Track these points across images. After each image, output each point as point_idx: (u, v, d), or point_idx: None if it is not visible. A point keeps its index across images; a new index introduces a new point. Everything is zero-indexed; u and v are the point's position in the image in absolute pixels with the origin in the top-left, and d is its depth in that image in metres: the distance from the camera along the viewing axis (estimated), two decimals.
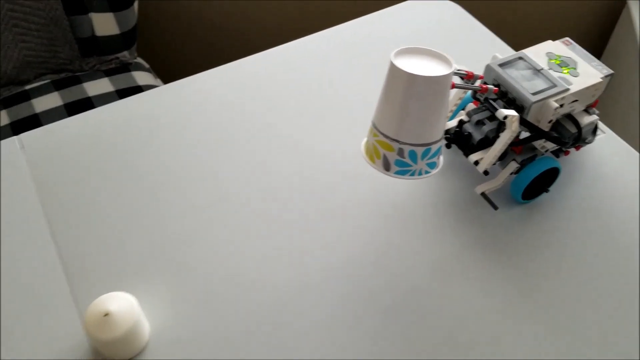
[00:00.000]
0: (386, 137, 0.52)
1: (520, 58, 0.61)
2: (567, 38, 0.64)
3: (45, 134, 0.71)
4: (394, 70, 0.50)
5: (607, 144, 0.69)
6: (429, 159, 0.53)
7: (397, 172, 0.53)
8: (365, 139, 0.56)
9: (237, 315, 0.55)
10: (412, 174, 0.53)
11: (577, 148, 0.66)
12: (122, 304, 0.52)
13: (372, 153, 0.54)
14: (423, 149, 0.52)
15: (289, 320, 0.55)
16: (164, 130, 0.71)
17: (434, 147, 0.53)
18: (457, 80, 0.58)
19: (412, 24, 0.85)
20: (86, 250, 0.60)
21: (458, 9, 0.87)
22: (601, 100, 1.66)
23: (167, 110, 0.73)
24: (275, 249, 0.60)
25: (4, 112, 1.16)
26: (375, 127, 0.53)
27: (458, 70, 0.56)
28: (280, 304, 0.56)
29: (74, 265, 0.59)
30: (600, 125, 0.69)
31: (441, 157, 0.55)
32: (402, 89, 0.49)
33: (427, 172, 0.54)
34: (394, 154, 0.52)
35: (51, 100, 1.18)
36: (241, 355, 0.53)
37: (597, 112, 0.63)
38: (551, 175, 0.63)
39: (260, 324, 0.55)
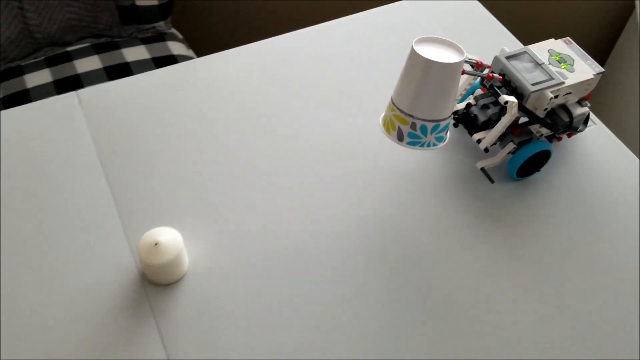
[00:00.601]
0: (402, 112, 0.61)
1: (525, 52, 0.69)
2: (568, 38, 0.72)
3: (99, 92, 0.80)
4: (413, 55, 0.59)
5: (597, 135, 0.78)
6: (437, 133, 0.62)
7: (409, 143, 0.62)
8: (383, 114, 0.65)
9: (263, 256, 0.65)
10: (422, 145, 0.62)
11: (569, 135, 0.75)
12: (168, 237, 0.61)
13: (388, 125, 0.63)
14: (433, 124, 0.61)
15: (305, 264, 0.64)
16: (203, 97, 0.80)
17: (443, 124, 0.61)
18: (467, 67, 0.67)
19: (434, 17, 0.93)
20: (137, 192, 0.70)
21: (477, 5, 0.95)
22: (606, 99, 1.74)
23: (205, 81, 0.82)
24: (299, 204, 0.69)
25: (48, 70, 1.25)
26: (393, 103, 0.62)
27: (469, 59, 0.65)
28: (300, 250, 0.65)
29: (125, 204, 0.69)
30: (592, 117, 0.78)
31: (448, 133, 0.64)
32: (420, 72, 0.58)
33: (434, 145, 0.63)
34: (407, 127, 0.61)
35: (92, 63, 1.27)
36: (262, 289, 0.62)
37: (588, 104, 0.71)
38: (543, 157, 0.71)
39: (281, 264, 0.64)
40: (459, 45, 0.60)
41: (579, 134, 0.77)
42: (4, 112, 0.77)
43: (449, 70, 0.58)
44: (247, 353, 0.58)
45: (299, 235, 0.67)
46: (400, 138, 0.62)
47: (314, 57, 0.86)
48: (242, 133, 0.76)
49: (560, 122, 0.69)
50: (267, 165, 0.73)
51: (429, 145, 0.63)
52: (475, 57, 0.66)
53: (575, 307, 0.62)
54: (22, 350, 0.58)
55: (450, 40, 0.60)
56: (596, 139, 0.78)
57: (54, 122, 0.76)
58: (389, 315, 0.61)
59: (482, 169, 0.71)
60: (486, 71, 0.67)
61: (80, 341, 0.58)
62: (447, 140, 0.64)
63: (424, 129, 0.61)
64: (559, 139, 0.74)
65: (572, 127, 0.71)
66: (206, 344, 0.59)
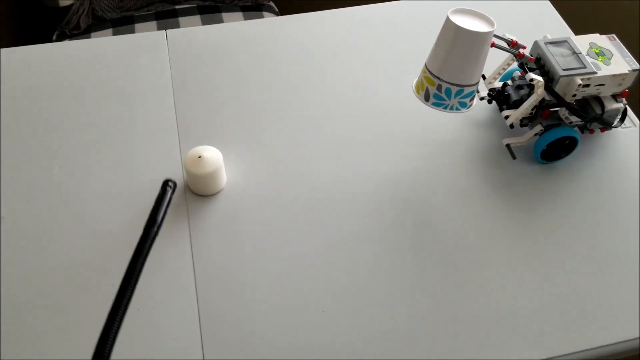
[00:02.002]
0: (431, 73, 0.67)
1: (566, 41, 0.73)
2: (613, 35, 0.75)
3: (186, 33, 0.92)
4: (447, 23, 0.65)
5: (634, 135, 0.80)
6: (461, 98, 0.67)
7: (434, 104, 0.68)
8: (416, 78, 0.71)
9: (292, 190, 0.73)
10: (445, 107, 0.68)
11: (602, 130, 0.77)
12: (211, 153, 0.71)
13: (418, 86, 0.70)
14: (457, 88, 0.67)
15: (329, 206, 0.72)
16: (276, 51, 0.90)
17: (467, 90, 0.67)
18: (499, 43, 0.71)
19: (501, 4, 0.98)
20: (196, 116, 0.80)
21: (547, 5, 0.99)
22: None
23: (283, 38, 0.92)
24: (334, 153, 0.77)
25: (155, 23, 1.40)
26: (425, 66, 0.68)
27: (504, 36, 0.70)
28: (328, 191, 0.73)
29: (185, 125, 0.79)
30: (632, 116, 0.80)
31: (473, 101, 0.69)
32: (449, 38, 0.64)
33: (457, 109, 0.68)
34: (434, 89, 0.67)
35: (193, 21, 1.41)
36: (285, 218, 0.71)
37: (624, 101, 0.74)
38: (570, 145, 0.75)
39: (306, 203, 0.72)
40: (492, 19, 0.65)
41: (614, 130, 0.80)
42: (105, 38, 0.90)
43: (476, 39, 0.63)
44: (262, 268, 0.67)
45: (328, 179, 0.74)
46: (426, 98, 0.69)
47: (378, 29, 0.93)
48: (297, 86, 0.85)
49: (592, 112, 0.73)
50: (313, 116, 0.81)
51: (452, 109, 0.68)
52: (514, 37, 0.71)
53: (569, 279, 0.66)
54: (79, 225, 0.69)
55: (484, 13, 0.66)
56: (632, 138, 0.80)
57: (142, 52, 0.88)
58: (399, 266, 0.68)
59: (507, 145, 0.76)
60: (521, 51, 0.71)
61: (121, 224, 0.69)
62: (470, 107, 0.69)
63: (448, 92, 0.67)
64: (591, 131, 0.77)
65: (603, 120, 0.74)
66: (228, 252, 0.68)
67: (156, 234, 0.40)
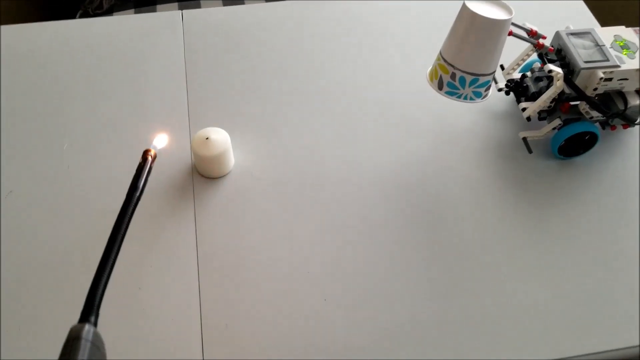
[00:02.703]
0: (445, 61, 0.65)
1: (589, 33, 0.70)
2: (638, 28, 0.72)
3: (202, 14, 0.91)
4: (463, 9, 0.62)
5: None
6: (475, 87, 0.65)
7: (447, 92, 0.66)
8: (430, 66, 0.69)
9: (299, 175, 0.72)
10: (459, 97, 0.66)
11: (625, 126, 0.74)
12: (219, 135, 0.70)
13: (432, 74, 0.68)
14: (472, 77, 0.64)
15: (337, 192, 0.71)
16: (291, 34, 0.88)
17: (482, 79, 0.65)
18: (518, 32, 0.68)
19: None
20: (208, 98, 0.80)
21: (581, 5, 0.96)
22: None
23: (301, 21, 0.91)
24: (343, 140, 0.76)
25: (177, 4, 1.40)
26: (440, 53, 0.66)
27: (523, 26, 0.67)
28: (336, 178, 0.72)
29: (195, 105, 0.79)
30: None
31: (489, 92, 0.67)
32: (465, 24, 0.62)
33: (471, 99, 0.66)
34: (448, 77, 0.65)
35: (215, 4, 1.40)
36: (292, 203, 0.70)
37: None
38: (590, 141, 0.72)
39: (314, 187, 0.71)
40: (510, 7, 0.63)
41: (637, 128, 0.77)
42: (119, 17, 0.90)
43: (493, 26, 0.61)
44: (267, 253, 0.66)
45: (337, 167, 0.73)
46: (440, 87, 0.67)
47: (394, 15, 0.91)
48: (310, 71, 0.83)
49: (614, 107, 0.70)
50: (324, 103, 0.80)
51: (465, 98, 0.66)
52: (535, 27, 0.68)
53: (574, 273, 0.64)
54: (85, 203, 0.69)
55: (503, 1, 0.63)
56: None
57: (157, 31, 0.88)
58: (405, 259, 0.66)
59: (524, 139, 0.73)
60: (541, 41, 0.69)
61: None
62: (486, 98, 0.67)
63: (462, 81, 0.65)
64: (612, 127, 0.74)
65: (625, 116, 0.71)
66: (233, 236, 0.67)
67: (139, 198, 0.43)
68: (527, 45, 0.72)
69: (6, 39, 0.87)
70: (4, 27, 0.88)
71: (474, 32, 0.62)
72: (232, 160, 0.73)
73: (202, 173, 0.72)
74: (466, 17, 0.62)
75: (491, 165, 0.73)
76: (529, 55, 0.74)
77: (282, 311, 0.61)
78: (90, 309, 0.36)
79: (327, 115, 0.78)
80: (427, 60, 0.71)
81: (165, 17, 0.90)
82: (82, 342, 0.34)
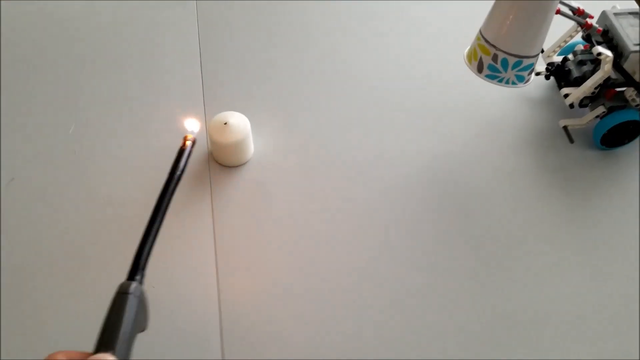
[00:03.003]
0: (486, 41, 0.60)
1: (638, 13, 0.65)
2: None
3: (217, 3, 0.86)
4: None
5: None
6: (518, 71, 0.60)
7: (487, 76, 0.61)
8: (469, 47, 0.64)
9: (323, 163, 0.67)
10: (500, 81, 0.61)
11: None
12: (238, 120, 0.65)
13: (471, 55, 0.62)
14: (515, 59, 0.59)
15: (365, 181, 0.66)
16: (313, 13, 0.83)
17: (526, 62, 0.60)
18: (564, 11, 0.63)
19: None
20: (224, 80, 0.74)
21: None
22: None
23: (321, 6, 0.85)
24: (372, 127, 0.71)
25: None
26: (480, 33, 0.61)
27: (569, 3, 0.62)
28: (360, 170, 0.67)
29: (211, 89, 0.73)
30: None
31: (532, 76, 0.62)
32: (510, 2, 0.57)
33: (514, 83, 0.61)
34: (489, 58, 0.60)
35: None
36: (315, 192, 0.65)
37: None
38: (635, 130, 0.67)
39: (341, 176, 0.66)
40: None
41: None
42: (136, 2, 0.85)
43: (540, 4, 0.56)
44: (288, 247, 0.61)
45: (362, 156, 0.68)
46: (479, 69, 0.62)
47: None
48: (332, 53, 0.78)
49: None
50: (348, 86, 0.74)
51: (507, 82, 0.61)
52: (581, 5, 0.63)
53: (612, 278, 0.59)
54: (93, 190, 0.64)
55: None
56: None
57: (169, 7, 0.82)
58: (436, 254, 0.61)
59: (565, 128, 0.68)
60: (589, 21, 0.64)
61: (138, 191, 0.64)
62: (528, 82, 0.62)
63: (504, 63, 0.60)
64: None
65: None
66: (253, 228, 0.62)
67: (179, 178, 0.47)
68: (568, 26, 0.67)
69: (13, 14, 0.81)
70: (9, 2, 0.83)
71: (520, 10, 0.57)
72: (252, 147, 0.68)
73: (220, 161, 0.67)
74: None
75: (529, 156, 0.68)
76: (571, 37, 0.69)
77: (303, 306, 0.56)
78: (137, 268, 0.41)
79: (353, 99, 0.73)
80: (459, 42, 0.66)
81: (180, 5, 0.85)
82: (130, 296, 0.39)
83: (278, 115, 0.71)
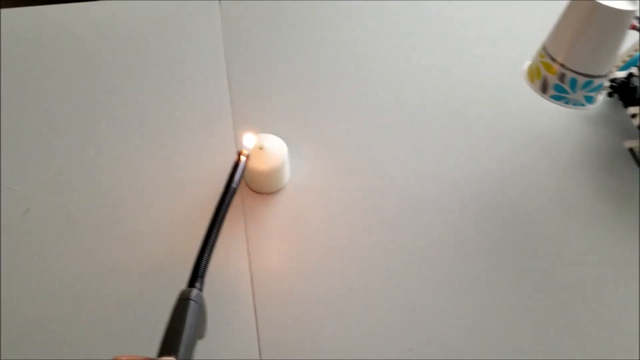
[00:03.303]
0: (553, 59, 0.54)
1: None
2: None
3: (240, 4, 0.80)
4: None
5: None
6: (588, 91, 0.54)
7: (553, 97, 0.55)
8: (528, 62, 0.58)
9: (364, 190, 0.61)
10: (567, 102, 0.55)
11: None
12: (274, 144, 0.59)
13: (533, 74, 0.57)
14: (585, 79, 0.53)
15: (407, 207, 0.60)
16: (354, 21, 0.77)
17: (597, 82, 0.54)
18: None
19: None
20: (253, 97, 0.68)
21: None
22: None
23: (365, 5, 0.79)
24: (413, 146, 0.65)
25: None
26: (544, 49, 0.55)
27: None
28: (402, 193, 0.61)
29: (240, 106, 0.68)
30: None
31: (600, 96, 0.56)
32: (581, 16, 0.51)
33: (582, 105, 0.55)
34: (555, 78, 0.54)
35: None
36: (357, 224, 0.59)
37: None
38: None
39: (381, 202, 0.60)
40: None
41: None
42: (152, 2, 0.78)
43: (616, 18, 0.50)
44: (327, 280, 0.55)
45: (404, 177, 0.62)
46: (543, 89, 0.56)
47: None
48: (372, 66, 0.72)
49: None
50: (389, 103, 0.69)
51: (575, 104, 0.55)
52: None
53: None
54: (115, 222, 0.59)
55: None
56: None
57: (192, 17, 0.76)
58: (481, 283, 0.56)
59: (630, 150, 0.63)
60: None
61: (166, 224, 0.58)
62: (597, 103, 0.56)
63: (573, 83, 0.54)
64: None
65: None
66: (290, 259, 0.56)
67: (234, 191, 0.49)
68: (635, 38, 0.61)
69: (30, 21, 0.76)
70: (23, 8, 0.77)
71: (593, 26, 0.51)
72: (287, 173, 0.62)
73: (254, 188, 0.61)
74: (583, 7, 0.51)
75: (588, 179, 0.62)
76: (636, 50, 0.63)
77: (340, 335, 0.51)
78: (196, 276, 0.43)
79: (394, 118, 0.67)
80: (508, 55, 0.60)
81: (202, 6, 0.79)
82: (191, 302, 0.40)
83: (312, 135, 0.66)
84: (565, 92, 0.54)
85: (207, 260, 0.44)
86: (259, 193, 0.61)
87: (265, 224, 0.59)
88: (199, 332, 0.41)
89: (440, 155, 0.64)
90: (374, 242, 0.57)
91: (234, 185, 0.50)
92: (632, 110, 0.60)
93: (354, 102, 0.69)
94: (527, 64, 0.58)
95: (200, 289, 0.42)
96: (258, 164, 0.58)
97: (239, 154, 0.53)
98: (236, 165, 0.52)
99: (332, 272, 0.55)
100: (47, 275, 0.54)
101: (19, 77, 0.70)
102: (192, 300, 0.40)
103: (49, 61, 0.72)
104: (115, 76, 0.70)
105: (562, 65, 0.53)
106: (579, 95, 0.54)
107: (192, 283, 0.42)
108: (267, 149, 0.58)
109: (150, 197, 0.60)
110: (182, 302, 0.40)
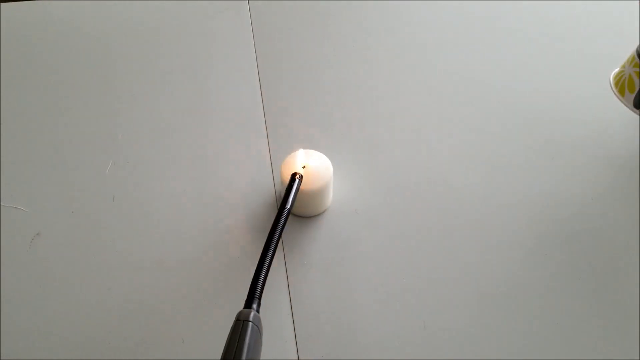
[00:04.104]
0: None
1: None
2: None
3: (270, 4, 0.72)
4: None
5: None
6: None
7: None
8: (616, 70, 0.50)
9: (417, 211, 0.54)
10: None
11: None
12: (318, 162, 0.52)
13: (624, 84, 0.49)
14: None
15: (463, 235, 0.52)
16: (401, 21, 0.69)
17: None
18: None
19: None
20: (288, 108, 0.61)
21: None
22: None
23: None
24: (471, 163, 0.57)
25: None
26: (638, 54, 0.47)
27: None
28: (463, 218, 0.53)
29: (274, 118, 0.60)
30: None
31: None
32: None
33: None
34: None
35: None
36: (411, 245, 0.51)
37: None
38: None
39: (439, 226, 0.53)
40: None
41: None
42: (174, 1, 0.71)
43: None
44: (378, 314, 0.47)
45: (466, 200, 0.55)
46: (637, 104, 0.48)
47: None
48: (427, 69, 0.65)
49: None
50: (447, 112, 0.61)
51: None
52: None
53: None
54: (138, 248, 0.51)
55: None
56: None
57: (221, 19, 0.69)
58: (553, 325, 0.48)
59: None
60: None
61: (193, 249, 0.51)
62: None
63: None
64: None
65: None
66: (335, 291, 0.49)
67: (289, 211, 0.47)
68: None
69: (43, 15, 0.69)
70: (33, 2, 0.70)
71: None
72: (331, 194, 0.54)
73: (293, 211, 0.54)
74: None
75: None
76: None
77: None
78: (253, 297, 0.41)
79: (452, 128, 0.60)
80: (590, 59, 0.52)
81: (230, 4, 0.71)
82: (250, 324, 0.39)
83: (358, 151, 0.58)
84: None
85: (264, 280, 0.43)
86: (298, 216, 0.54)
87: (307, 252, 0.51)
88: (256, 355, 0.39)
89: (512, 175, 0.56)
90: (429, 271, 0.50)
91: (288, 206, 0.48)
92: None
93: (405, 113, 0.61)
94: (615, 71, 0.50)
95: (257, 310, 0.41)
96: (304, 185, 0.51)
97: (294, 175, 0.50)
98: (290, 185, 0.49)
99: (382, 306, 0.47)
100: (59, 307, 0.47)
101: (30, 83, 0.63)
102: (251, 322, 0.39)
103: (64, 66, 0.65)
104: (137, 82, 0.63)
105: None
106: None
107: (249, 304, 0.41)
108: (311, 167, 0.51)
109: (177, 217, 0.53)
110: (241, 324, 0.40)
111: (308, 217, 0.54)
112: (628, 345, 0.46)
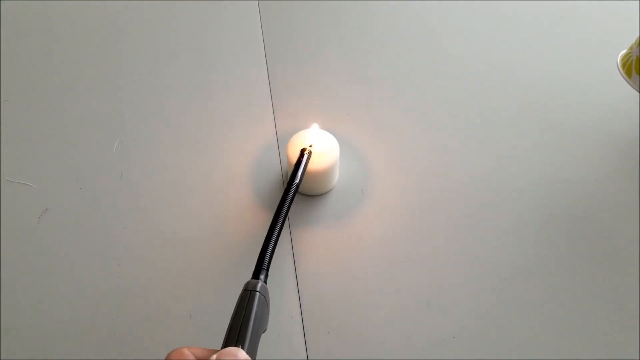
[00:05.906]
0: None
1: None
2: None
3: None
4: None
5: None
6: None
7: None
8: (624, 51, 0.50)
9: (426, 194, 0.54)
10: None
11: None
12: (325, 142, 0.52)
13: (631, 66, 0.49)
14: None
15: (474, 219, 0.53)
16: (389, 14, 0.69)
17: None
18: None
19: None
20: (294, 89, 0.61)
21: None
22: None
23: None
24: (483, 149, 0.57)
25: None
26: None
27: None
28: (473, 201, 0.54)
29: (281, 98, 0.60)
30: None
31: None
32: None
33: None
34: None
35: None
36: (418, 226, 0.52)
37: None
38: None
39: (448, 209, 0.53)
40: None
41: None
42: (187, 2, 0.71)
43: None
44: (383, 296, 0.48)
45: (477, 183, 0.55)
46: None
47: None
48: (435, 51, 0.65)
49: None
50: (457, 93, 0.61)
51: None
52: None
53: None
54: (144, 223, 0.52)
55: None
56: None
57: (232, 15, 0.69)
58: (567, 316, 0.48)
59: None
60: None
61: (200, 226, 0.51)
62: None
63: None
64: None
65: None
66: (341, 271, 0.49)
67: (297, 188, 0.48)
68: None
69: (51, 14, 0.69)
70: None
71: None
72: (337, 173, 0.55)
73: (299, 189, 0.54)
74: None
75: None
76: None
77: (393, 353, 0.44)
78: (260, 268, 0.42)
79: (462, 109, 0.60)
80: (597, 42, 0.52)
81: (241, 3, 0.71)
82: (257, 294, 0.40)
83: (363, 129, 0.58)
84: None
85: (272, 253, 0.43)
86: (304, 195, 0.54)
87: (313, 230, 0.52)
88: (263, 325, 0.40)
89: (523, 159, 0.56)
90: (436, 252, 0.50)
91: (297, 180, 0.48)
92: None
93: (412, 94, 0.61)
94: (622, 53, 0.50)
95: (265, 281, 0.41)
96: (310, 165, 0.51)
97: (302, 150, 0.50)
98: (299, 160, 0.50)
99: (392, 291, 0.48)
100: (67, 283, 0.47)
101: (39, 67, 0.63)
102: (258, 292, 0.40)
103: (73, 43, 0.65)
104: (145, 60, 0.63)
105: None
106: None
107: (256, 275, 0.42)
108: (317, 146, 0.51)
109: (184, 194, 0.53)
110: (248, 294, 0.40)
111: (314, 196, 0.54)
112: (634, 324, 0.47)
